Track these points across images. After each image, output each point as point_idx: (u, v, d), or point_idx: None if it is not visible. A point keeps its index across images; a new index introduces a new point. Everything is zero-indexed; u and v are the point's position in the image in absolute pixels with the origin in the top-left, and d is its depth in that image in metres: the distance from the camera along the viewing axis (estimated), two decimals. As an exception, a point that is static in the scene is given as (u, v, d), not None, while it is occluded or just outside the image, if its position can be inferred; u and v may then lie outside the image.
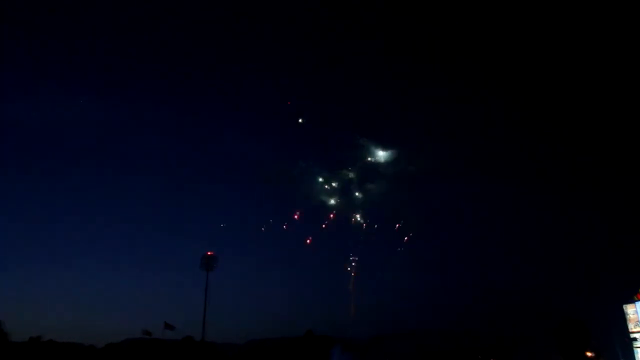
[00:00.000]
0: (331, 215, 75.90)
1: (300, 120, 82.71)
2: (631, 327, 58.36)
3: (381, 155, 77.40)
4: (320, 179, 76.21)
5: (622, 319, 59.62)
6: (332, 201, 78.25)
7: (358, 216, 77.06)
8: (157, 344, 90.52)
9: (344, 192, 79.36)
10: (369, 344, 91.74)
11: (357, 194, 77.56)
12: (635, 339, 57.72)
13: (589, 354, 75.29)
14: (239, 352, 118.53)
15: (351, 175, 77.36)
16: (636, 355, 57.44)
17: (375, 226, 79.44)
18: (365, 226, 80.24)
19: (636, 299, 58.37)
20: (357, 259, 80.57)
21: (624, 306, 59.77)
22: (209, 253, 74.18)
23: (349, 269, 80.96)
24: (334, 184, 76.58)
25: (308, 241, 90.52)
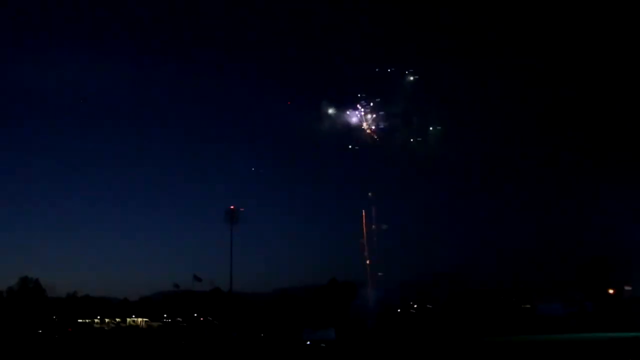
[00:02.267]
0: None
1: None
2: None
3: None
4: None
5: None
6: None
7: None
8: (188, 295, 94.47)
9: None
10: (395, 290, 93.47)
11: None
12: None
13: (610, 291, 76.30)
14: (265, 301, 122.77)
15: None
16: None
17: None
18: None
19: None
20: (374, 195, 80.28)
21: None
22: (231, 207, 75.59)
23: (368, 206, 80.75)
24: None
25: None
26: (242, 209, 74.67)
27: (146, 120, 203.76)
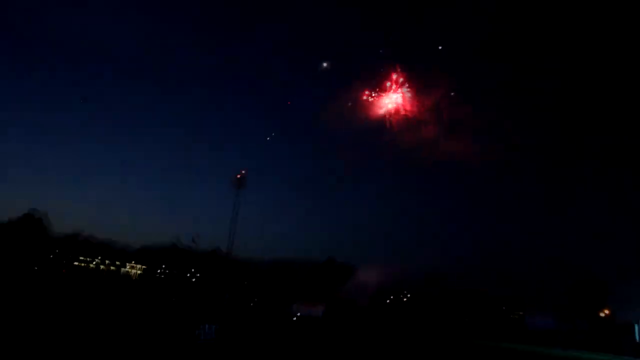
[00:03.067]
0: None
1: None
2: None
3: None
4: None
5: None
6: None
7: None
8: (187, 252, 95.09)
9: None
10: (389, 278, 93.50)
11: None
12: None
13: (603, 313, 75.95)
14: (261, 269, 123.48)
15: None
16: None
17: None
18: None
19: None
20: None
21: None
22: (241, 172, 75.53)
23: None
24: None
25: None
26: (243, 172, 74.22)
27: (164, 78, 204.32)
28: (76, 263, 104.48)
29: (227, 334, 23.02)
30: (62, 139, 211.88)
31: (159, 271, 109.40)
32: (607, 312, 75.30)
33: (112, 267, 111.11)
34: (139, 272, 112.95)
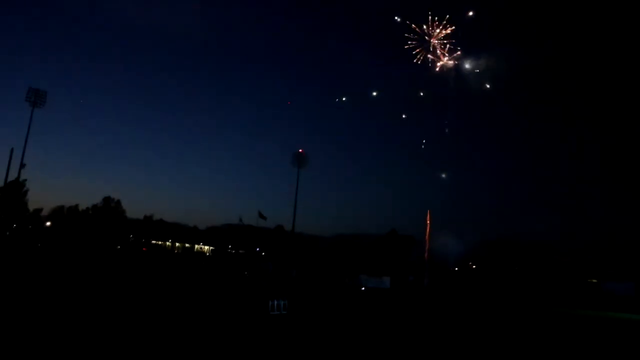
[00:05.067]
0: None
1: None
2: None
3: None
4: None
5: None
6: None
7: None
8: (251, 230, 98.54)
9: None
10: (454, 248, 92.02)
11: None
12: None
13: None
14: (325, 244, 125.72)
15: None
16: None
17: None
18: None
19: None
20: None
21: None
22: (300, 151, 76.84)
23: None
24: None
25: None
26: (301, 150, 75.69)
27: (225, 62, 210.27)
28: (153, 242, 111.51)
29: (297, 309, 23.91)
30: (128, 133, 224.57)
31: (229, 247, 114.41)
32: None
33: (187, 245, 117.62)
34: (209, 250, 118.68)
